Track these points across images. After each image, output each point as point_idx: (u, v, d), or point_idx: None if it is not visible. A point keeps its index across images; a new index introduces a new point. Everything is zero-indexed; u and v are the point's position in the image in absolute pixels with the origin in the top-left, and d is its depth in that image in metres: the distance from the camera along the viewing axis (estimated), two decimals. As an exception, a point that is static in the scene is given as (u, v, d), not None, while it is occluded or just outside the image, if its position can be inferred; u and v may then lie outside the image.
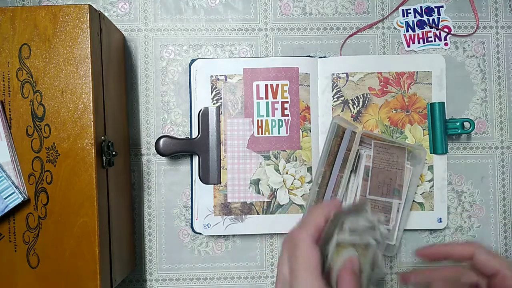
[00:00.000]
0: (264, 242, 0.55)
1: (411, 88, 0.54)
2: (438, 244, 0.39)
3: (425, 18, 0.56)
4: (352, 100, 0.54)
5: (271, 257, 0.55)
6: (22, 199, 0.42)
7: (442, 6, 0.56)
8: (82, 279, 0.43)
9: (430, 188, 0.54)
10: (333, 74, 0.54)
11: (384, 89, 0.54)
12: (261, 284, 0.55)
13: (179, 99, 0.55)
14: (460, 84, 0.56)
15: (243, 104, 0.54)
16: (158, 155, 0.53)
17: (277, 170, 0.53)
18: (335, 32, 0.56)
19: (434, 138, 0.54)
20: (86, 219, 0.43)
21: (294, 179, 0.53)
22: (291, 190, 0.53)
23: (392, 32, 0.56)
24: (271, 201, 0.53)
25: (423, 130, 0.54)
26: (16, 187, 0.42)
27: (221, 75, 0.54)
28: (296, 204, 0.53)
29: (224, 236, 0.55)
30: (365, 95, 0.54)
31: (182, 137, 0.55)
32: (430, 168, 0.54)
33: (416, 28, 0.56)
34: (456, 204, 0.56)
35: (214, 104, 0.54)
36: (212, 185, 0.53)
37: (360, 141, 0.53)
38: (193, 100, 0.54)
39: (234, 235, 0.55)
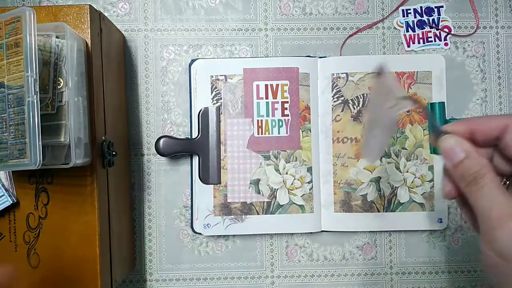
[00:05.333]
0: (264, 242, 0.55)
1: (411, 88, 0.54)
2: (464, 120, 0.33)
3: (425, 18, 0.56)
4: (352, 100, 0.54)
5: (271, 257, 0.55)
6: (11, 202, 0.42)
7: (442, 6, 0.56)
8: (83, 279, 0.43)
9: (430, 188, 0.54)
10: (333, 74, 0.54)
11: (384, 89, 0.54)
12: (261, 284, 0.55)
13: (179, 99, 0.55)
14: (460, 84, 0.56)
15: (243, 104, 0.54)
16: (158, 155, 0.53)
17: (277, 170, 0.54)
18: (335, 32, 0.56)
19: (434, 138, 0.54)
20: (87, 219, 0.43)
21: (294, 179, 0.53)
22: (291, 190, 0.53)
23: (392, 32, 0.56)
24: (271, 201, 0.54)
25: (423, 130, 0.54)
26: (6, 189, 0.43)
27: (221, 75, 0.54)
28: (296, 204, 0.53)
29: (224, 236, 0.55)
30: (365, 95, 0.54)
31: (182, 137, 0.55)
32: (430, 168, 0.54)
33: (416, 28, 0.56)
34: (456, 204, 0.56)
35: (214, 104, 0.54)
36: (212, 185, 0.53)
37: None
38: (193, 100, 0.54)
39: (234, 235, 0.55)
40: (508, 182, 0.31)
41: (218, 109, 0.53)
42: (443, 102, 0.54)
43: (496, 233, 0.27)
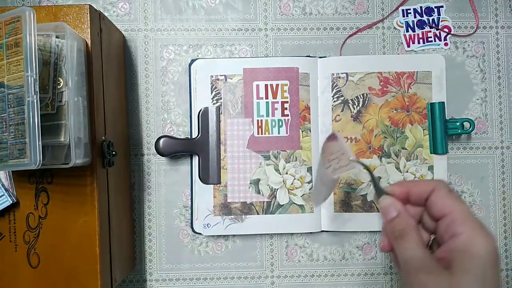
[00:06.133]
0: (264, 242, 0.55)
1: (411, 88, 0.54)
2: (401, 182, 0.38)
3: (425, 18, 0.56)
4: (352, 100, 0.54)
5: (271, 257, 0.55)
6: (11, 201, 0.42)
7: (442, 6, 0.56)
8: (83, 278, 0.43)
9: (430, 188, 0.54)
10: (333, 74, 0.54)
11: (384, 89, 0.54)
12: (261, 284, 0.55)
13: (179, 99, 0.55)
14: (460, 84, 0.56)
15: (243, 104, 0.54)
16: (158, 155, 0.53)
17: (277, 170, 0.54)
18: (335, 32, 0.56)
19: (434, 138, 0.54)
20: (87, 219, 0.43)
21: (294, 179, 0.53)
22: (291, 190, 0.53)
23: (392, 32, 0.56)
24: (271, 201, 0.54)
25: (423, 130, 0.54)
26: (6, 189, 0.43)
27: (221, 75, 0.54)
28: (296, 204, 0.53)
29: (224, 236, 0.55)
30: (365, 95, 0.54)
31: (182, 137, 0.55)
32: (430, 168, 0.54)
33: (416, 28, 0.56)
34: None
35: (214, 104, 0.54)
36: (212, 185, 0.53)
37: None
38: (193, 100, 0.54)
39: (234, 235, 0.55)
40: (433, 237, 0.36)
41: (218, 109, 0.53)
42: (443, 102, 0.54)
43: (412, 281, 0.33)
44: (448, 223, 0.33)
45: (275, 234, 0.55)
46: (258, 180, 0.54)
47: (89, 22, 0.42)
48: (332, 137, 0.40)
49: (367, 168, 0.38)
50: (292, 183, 0.53)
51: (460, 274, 0.31)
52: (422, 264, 0.32)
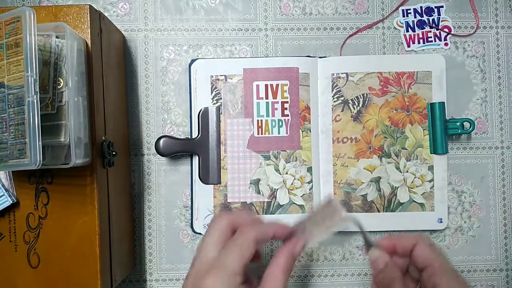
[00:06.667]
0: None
1: (411, 88, 0.54)
2: (389, 236, 0.42)
3: (425, 18, 0.56)
4: (352, 100, 0.54)
5: (271, 257, 0.55)
6: (11, 202, 0.42)
7: (442, 6, 0.56)
8: (83, 279, 0.43)
9: (430, 188, 0.54)
10: (333, 74, 0.54)
11: (384, 89, 0.54)
12: (261, 284, 0.55)
13: (179, 99, 0.55)
14: (460, 84, 0.56)
15: (243, 104, 0.54)
16: (158, 155, 0.53)
17: (277, 170, 0.54)
18: (335, 32, 0.56)
19: (434, 138, 0.54)
20: (87, 219, 0.43)
21: (294, 179, 0.53)
22: (291, 190, 0.53)
23: (392, 32, 0.56)
24: (271, 201, 0.54)
25: (423, 130, 0.54)
26: (6, 189, 0.43)
27: (221, 75, 0.54)
28: (296, 204, 0.53)
29: (224, 236, 0.55)
30: (365, 95, 0.54)
31: (182, 137, 0.55)
32: (430, 168, 0.54)
33: (416, 28, 0.56)
34: (456, 204, 0.56)
35: (214, 104, 0.54)
36: (212, 185, 0.53)
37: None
38: (193, 100, 0.54)
39: (234, 235, 0.55)
40: (418, 286, 0.39)
41: (218, 109, 0.54)
42: (443, 102, 0.54)
43: None
44: (430, 274, 0.37)
45: (275, 234, 0.55)
46: (258, 180, 0.54)
47: (89, 22, 0.42)
48: (329, 203, 0.43)
49: (358, 224, 0.41)
50: (292, 183, 0.53)
51: None
52: None
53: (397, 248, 0.39)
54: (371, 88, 0.54)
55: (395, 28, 0.56)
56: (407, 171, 0.54)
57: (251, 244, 0.36)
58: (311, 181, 0.54)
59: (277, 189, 0.54)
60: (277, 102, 0.54)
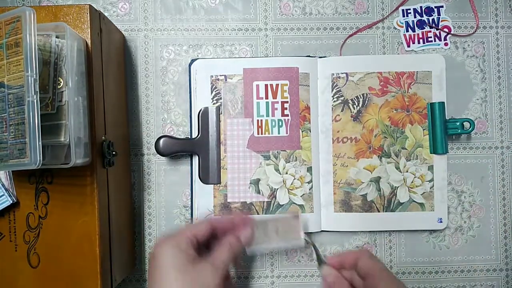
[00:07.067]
0: (264, 242, 0.55)
1: (411, 88, 0.54)
2: (337, 254, 0.50)
3: (425, 18, 0.56)
4: (352, 100, 0.54)
5: (271, 257, 0.55)
6: (11, 201, 0.42)
7: (442, 6, 0.56)
8: (83, 278, 0.43)
9: (430, 188, 0.54)
10: (333, 74, 0.54)
11: (384, 89, 0.54)
12: (261, 284, 0.55)
13: (179, 99, 0.55)
14: (460, 84, 0.56)
15: (243, 104, 0.54)
16: (158, 155, 0.53)
17: (277, 170, 0.54)
18: (335, 32, 0.56)
19: (434, 138, 0.54)
20: (87, 219, 0.43)
21: (294, 179, 0.53)
22: (291, 190, 0.54)
23: (392, 32, 0.56)
24: (271, 201, 0.54)
25: (423, 130, 0.54)
26: (6, 189, 0.43)
27: (221, 75, 0.54)
28: (296, 204, 0.53)
29: (224, 236, 0.55)
30: (365, 95, 0.54)
31: (182, 137, 0.55)
32: (430, 168, 0.54)
33: (416, 28, 0.56)
34: (456, 204, 0.56)
35: (214, 104, 0.54)
36: (212, 185, 0.53)
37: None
38: (193, 100, 0.54)
39: (234, 235, 0.55)
40: None
41: (218, 109, 0.54)
42: (443, 102, 0.54)
43: None
44: (370, 280, 0.43)
45: (275, 234, 0.55)
46: (258, 180, 0.54)
47: (89, 22, 0.42)
48: (295, 217, 0.48)
49: (313, 244, 0.49)
50: (292, 183, 0.53)
51: None
52: None
53: (344, 263, 0.46)
54: (371, 88, 0.54)
55: (395, 28, 0.56)
56: (407, 171, 0.54)
57: (204, 220, 0.43)
58: (311, 181, 0.54)
59: (277, 189, 0.54)
60: (277, 102, 0.54)
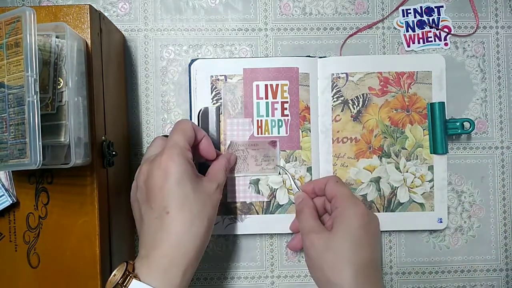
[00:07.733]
0: (264, 242, 0.55)
1: (411, 88, 0.54)
2: (309, 181, 0.53)
3: (425, 18, 0.56)
4: (352, 100, 0.54)
5: (271, 257, 0.55)
6: (11, 201, 0.42)
7: (442, 6, 0.56)
8: (83, 278, 0.43)
9: (430, 188, 0.54)
10: (333, 74, 0.54)
11: (384, 89, 0.54)
12: (261, 284, 0.55)
13: (179, 99, 0.55)
14: (460, 84, 0.56)
15: (243, 104, 0.54)
16: (158, 155, 0.53)
17: (277, 170, 0.54)
18: (335, 32, 0.56)
19: (434, 138, 0.54)
20: (87, 219, 0.43)
21: (294, 179, 0.53)
22: (290, 190, 0.54)
23: (392, 32, 0.56)
24: (270, 201, 0.54)
25: (423, 130, 0.54)
26: (6, 189, 0.43)
27: (221, 75, 0.54)
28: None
29: (224, 235, 0.55)
30: (365, 95, 0.54)
31: (182, 137, 0.55)
32: (430, 168, 0.54)
33: (416, 28, 0.56)
34: (456, 204, 0.56)
35: (214, 104, 0.54)
36: (212, 185, 0.53)
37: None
38: (193, 100, 0.54)
39: (234, 235, 0.55)
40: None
41: (218, 109, 0.54)
42: (443, 102, 0.54)
43: (305, 241, 0.47)
44: (334, 202, 0.48)
45: (275, 234, 0.55)
46: (258, 180, 0.54)
47: (89, 22, 0.42)
48: (273, 144, 0.52)
49: (286, 171, 0.53)
50: (291, 183, 0.53)
51: (334, 232, 0.45)
52: (312, 229, 0.47)
53: (315, 190, 0.51)
54: (371, 88, 0.54)
55: (395, 28, 0.56)
56: (407, 171, 0.54)
57: (191, 127, 0.44)
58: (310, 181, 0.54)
59: (277, 189, 0.54)
60: (277, 102, 0.54)
